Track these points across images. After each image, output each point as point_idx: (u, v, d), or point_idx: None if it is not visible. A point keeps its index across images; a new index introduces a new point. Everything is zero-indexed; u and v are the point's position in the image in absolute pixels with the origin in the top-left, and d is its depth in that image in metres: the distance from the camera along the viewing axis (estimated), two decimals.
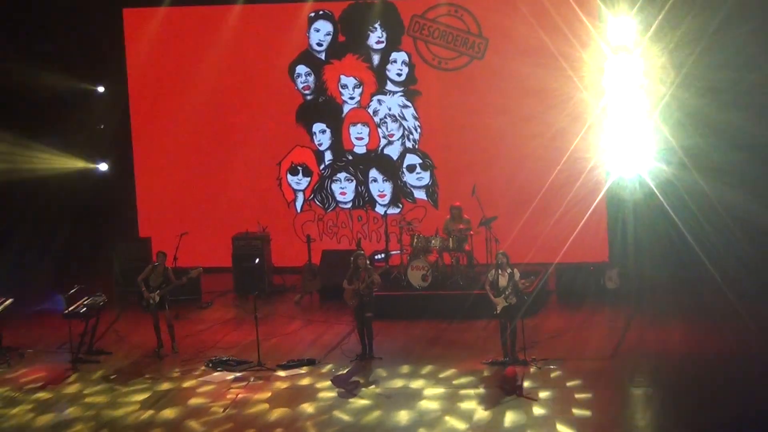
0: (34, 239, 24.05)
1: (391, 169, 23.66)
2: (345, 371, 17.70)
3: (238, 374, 17.78)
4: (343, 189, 23.93)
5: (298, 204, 24.17)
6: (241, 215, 23.65)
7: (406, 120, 23.50)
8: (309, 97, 23.94)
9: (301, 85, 23.89)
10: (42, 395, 17.38)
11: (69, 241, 24.08)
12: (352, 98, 23.72)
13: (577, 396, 15.98)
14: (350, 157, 23.89)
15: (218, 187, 24.19)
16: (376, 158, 23.76)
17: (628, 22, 20.82)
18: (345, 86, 23.71)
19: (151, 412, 16.43)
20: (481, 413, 15.61)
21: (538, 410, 15.56)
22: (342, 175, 23.92)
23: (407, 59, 23.33)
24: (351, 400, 16.47)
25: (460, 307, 19.80)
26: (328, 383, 17.18)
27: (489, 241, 20.81)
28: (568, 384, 16.46)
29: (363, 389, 16.88)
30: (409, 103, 23.44)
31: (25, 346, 19.60)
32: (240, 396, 16.82)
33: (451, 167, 23.25)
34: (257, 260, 22.07)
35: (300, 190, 24.13)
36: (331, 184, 23.97)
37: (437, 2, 22.98)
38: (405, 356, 18.26)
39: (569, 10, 21.38)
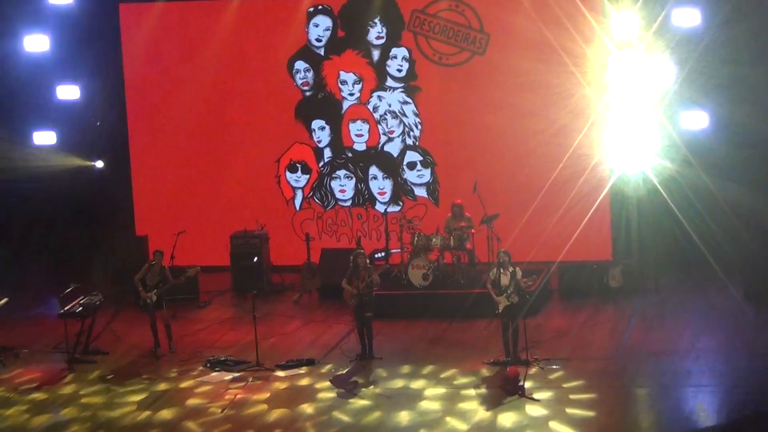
0: (30, 237, 24.05)
1: (392, 167, 23.66)
2: (345, 371, 17.71)
3: (236, 374, 17.78)
4: (343, 186, 23.94)
5: (297, 202, 24.18)
6: (240, 213, 23.66)
7: (406, 116, 23.50)
8: (308, 94, 23.94)
9: (300, 81, 23.90)
10: (37, 396, 17.39)
11: (65, 240, 24.09)
12: (351, 94, 23.73)
13: (579, 396, 15.99)
14: (350, 154, 23.89)
15: (216, 184, 24.19)
16: (376, 155, 23.77)
17: (632, 16, 20.81)
18: (344, 82, 23.71)
19: (148, 412, 16.43)
20: (483, 414, 15.62)
21: (540, 411, 15.57)
22: (341, 173, 23.93)
23: (407, 55, 23.33)
24: (351, 400, 16.48)
25: (461, 307, 19.80)
26: (328, 383, 17.19)
27: (490, 239, 20.81)
28: (571, 384, 16.46)
29: (363, 389, 16.88)
30: (409, 100, 23.45)
31: (21, 345, 19.60)
32: (238, 396, 16.83)
33: (452, 164, 23.26)
34: (255, 259, 22.06)
35: (299, 188, 24.14)
36: (330, 181, 23.98)
37: None
38: (405, 356, 18.26)
39: (571, 4, 21.40)
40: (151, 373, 18.07)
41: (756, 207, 19.98)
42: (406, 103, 23.46)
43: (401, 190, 23.63)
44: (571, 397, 15.99)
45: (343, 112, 23.79)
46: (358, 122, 23.74)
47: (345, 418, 15.86)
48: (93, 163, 24.62)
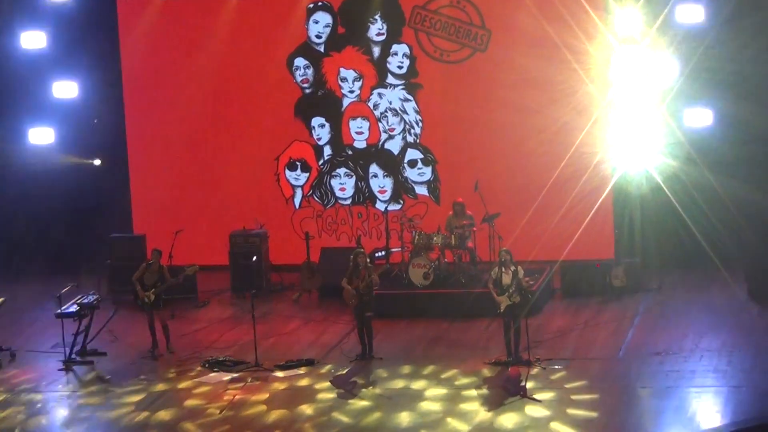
0: (26, 236, 24.05)
1: (392, 165, 23.65)
2: (344, 372, 17.70)
3: (235, 375, 17.78)
4: (343, 185, 23.93)
5: (297, 200, 24.16)
6: (238, 212, 23.64)
7: (407, 114, 23.49)
8: (308, 91, 23.93)
9: (299, 78, 23.88)
10: (34, 397, 17.38)
11: (61, 238, 24.08)
12: (351, 92, 23.71)
13: (582, 397, 15.98)
14: (350, 152, 23.87)
15: (215, 182, 24.18)
16: (376, 153, 23.75)
17: (635, 13, 20.79)
18: (344, 79, 23.69)
19: (146, 413, 16.44)
20: (484, 414, 15.61)
21: (541, 412, 15.56)
22: (341, 171, 23.91)
23: (408, 51, 23.31)
24: (351, 401, 16.48)
25: (463, 306, 19.81)
26: (328, 384, 17.18)
27: (492, 238, 20.79)
28: (573, 385, 16.45)
29: (363, 390, 16.88)
30: (410, 97, 23.43)
31: (17, 345, 19.59)
32: (237, 397, 16.82)
33: (453, 162, 23.23)
34: (255, 258, 22.06)
35: (298, 186, 24.13)
36: (330, 179, 23.97)
37: None
38: (406, 356, 18.25)
39: (574, 1, 21.37)
40: (149, 374, 18.08)
41: (760, 205, 19.97)
42: (406, 100, 23.44)
43: (402, 189, 23.62)
44: (573, 397, 15.98)
45: (343, 109, 23.77)
46: (359, 120, 23.73)
47: (345, 419, 15.86)
48: (90, 160, 24.61)
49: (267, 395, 16.86)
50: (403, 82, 23.42)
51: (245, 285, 21.55)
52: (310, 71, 23.82)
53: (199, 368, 18.16)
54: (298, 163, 24.06)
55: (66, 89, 23.76)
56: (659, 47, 20.69)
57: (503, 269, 17.49)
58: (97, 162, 24.60)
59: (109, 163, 24.67)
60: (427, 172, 23.50)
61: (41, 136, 23.91)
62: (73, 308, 18.88)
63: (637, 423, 15.24)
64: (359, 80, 23.60)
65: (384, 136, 23.65)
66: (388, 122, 23.57)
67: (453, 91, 23.03)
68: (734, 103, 20.39)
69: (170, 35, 24.11)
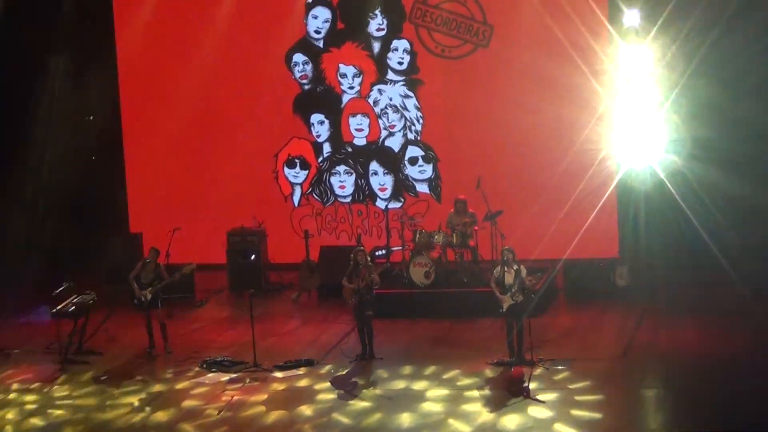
0: (21, 234, 24.05)
1: (393, 162, 23.65)
2: (344, 372, 17.70)
3: (233, 375, 17.77)
4: (343, 182, 23.94)
5: (296, 198, 24.17)
6: (236, 210, 23.65)
7: (407, 110, 23.49)
8: (306, 87, 23.94)
9: (298, 74, 23.89)
10: (29, 397, 17.37)
11: (56, 237, 24.09)
12: (351, 88, 23.72)
13: (586, 398, 15.98)
14: (350, 149, 23.88)
15: (212, 180, 24.19)
16: (376, 150, 23.76)
17: (639, 8, 20.79)
18: (344, 75, 23.70)
19: (142, 414, 16.43)
20: (486, 416, 15.60)
21: (545, 413, 15.55)
22: (341, 168, 23.92)
23: (409, 47, 23.31)
24: (351, 402, 16.47)
25: (465, 306, 19.83)
26: (327, 384, 17.18)
27: (494, 236, 20.79)
28: (577, 385, 16.44)
29: (363, 391, 16.87)
30: (411, 93, 23.43)
31: (12, 346, 19.60)
32: (235, 398, 16.82)
33: (454, 160, 23.24)
34: (253, 257, 22.07)
35: (297, 184, 24.14)
36: (329, 177, 23.98)
37: None
38: (407, 356, 18.25)
39: None
40: (146, 374, 18.07)
41: (766, 202, 19.98)
42: (407, 96, 23.44)
43: (402, 186, 23.62)
44: (577, 398, 15.98)
45: (342, 106, 23.78)
46: (358, 116, 23.73)
47: (345, 420, 15.86)
48: (86, 158, 24.60)
49: (266, 396, 16.85)
50: (403, 78, 23.43)
51: (243, 284, 21.57)
52: (309, 67, 23.82)
53: (196, 369, 18.15)
54: (297, 160, 24.06)
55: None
56: (663, 44, 20.69)
57: (506, 268, 17.49)
58: (92, 159, 24.61)
59: (104, 160, 24.68)
60: (428, 170, 23.50)
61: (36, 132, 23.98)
62: (69, 308, 18.86)
63: (642, 424, 15.22)
64: (359, 76, 23.61)
65: (384, 133, 23.65)
66: (388, 119, 23.58)
67: (454, 88, 23.04)
68: (737, 100, 20.39)
69: (167, 30, 24.12)
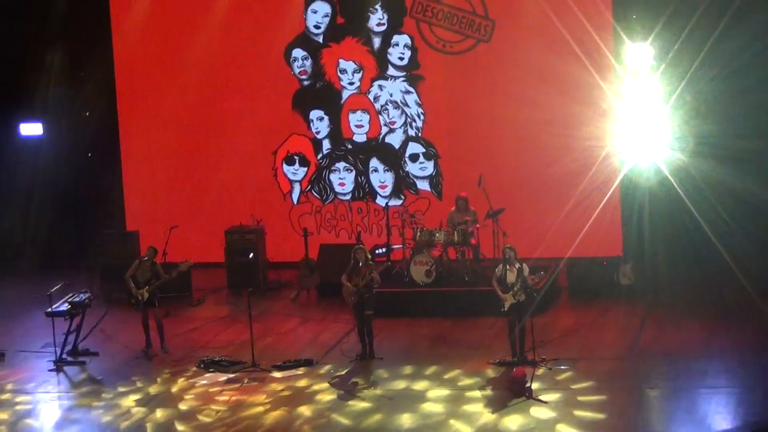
0: (15, 231, 24.05)
1: (393, 159, 23.64)
2: (344, 372, 17.69)
3: (231, 375, 17.76)
4: (342, 179, 23.93)
5: (295, 195, 24.17)
6: (235, 207, 23.66)
7: (408, 107, 23.48)
8: (306, 83, 23.93)
9: (297, 70, 23.88)
10: (24, 398, 17.37)
11: (52, 235, 24.08)
12: (351, 84, 23.71)
13: (589, 398, 15.97)
14: (349, 146, 23.87)
15: (210, 177, 24.20)
16: (376, 147, 23.75)
17: (643, 3, 20.80)
18: (344, 71, 23.69)
19: (139, 415, 16.41)
20: (488, 416, 15.59)
21: (547, 413, 15.54)
22: (341, 165, 23.92)
23: (410, 42, 23.30)
24: (350, 402, 16.46)
25: (466, 305, 19.83)
26: (327, 385, 17.17)
27: (496, 234, 20.79)
28: (580, 385, 16.43)
29: (363, 391, 16.86)
30: (411, 89, 23.42)
31: (6, 345, 19.59)
32: (233, 398, 16.81)
33: (455, 156, 23.24)
34: (251, 255, 22.07)
35: (296, 181, 24.13)
36: (329, 174, 23.97)
37: None
38: (407, 356, 18.24)
39: None
40: (143, 375, 18.05)
41: None
42: (408, 92, 23.43)
43: (403, 184, 23.62)
44: (580, 398, 15.97)
45: (342, 102, 23.77)
46: (358, 112, 23.72)
47: (344, 420, 15.85)
48: (81, 155, 24.59)
49: (264, 396, 16.84)
50: (404, 73, 23.42)
51: (242, 283, 21.58)
52: (308, 62, 23.82)
53: (194, 369, 18.14)
54: (296, 157, 24.06)
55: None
56: (667, 39, 20.69)
57: (508, 267, 17.48)
58: (88, 155, 24.61)
59: (100, 156, 24.67)
60: (429, 167, 23.49)
61: (31, 129, 23.95)
62: (64, 307, 18.85)
63: (646, 425, 15.21)
64: (359, 72, 23.60)
65: (385, 129, 23.65)
66: (388, 115, 23.57)
67: (455, 83, 23.03)
68: (741, 97, 20.40)
69: (164, 24, 24.13)
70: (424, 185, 23.54)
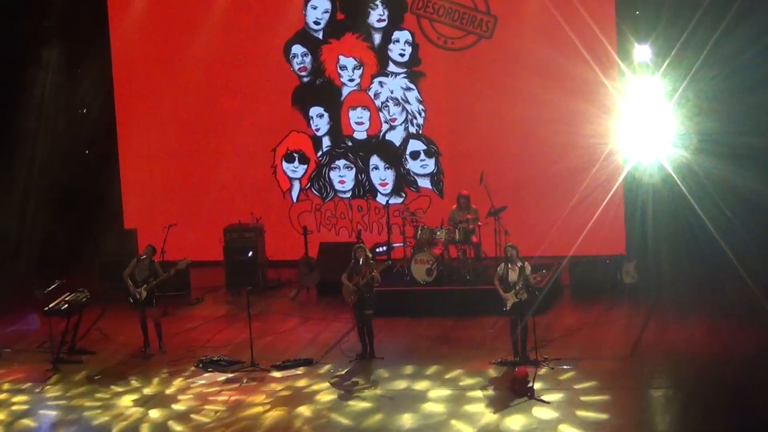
0: (12, 229, 24.03)
1: (394, 156, 23.62)
2: (344, 372, 17.68)
3: (230, 375, 17.75)
4: (342, 177, 23.90)
5: (294, 193, 24.14)
6: (234, 205, 23.65)
7: (409, 103, 23.45)
8: (306, 79, 23.90)
9: (297, 67, 23.85)
10: (21, 397, 17.35)
11: (49, 233, 24.07)
12: (351, 80, 23.68)
13: (591, 398, 15.95)
14: (350, 143, 23.84)
15: (209, 175, 24.18)
16: (377, 144, 23.73)
17: (646, 2, 20.82)
18: (344, 67, 23.66)
19: (137, 415, 16.40)
20: (490, 417, 15.58)
21: (550, 413, 15.53)
22: (341, 163, 23.89)
23: (410, 38, 23.27)
24: (351, 402, 16.45)
25: (467, 304, 19.81)
26: (327, 385, 17.16)
27: (498, 232, 20.76)
28: (583, 385, 16.42)
29: (363, 391, 16.85)
30: (412, 86, 23.40)
31: (3, 344, 19.57)
32: (232, 398, 16.79)
33: (457, 154, 23.21)
34: (250, 253, 22.05)
35: (296, 179, 24.11)
36: (329, 171, 23.94)
37: None
38: (408, 356, 18.23)
39: None
40: (141, 374, 18.04)
41: None
42: (408, 89, 23.40)
43: (404, 181, 23.59)
44: (583, 398, 15.95)
45: (342, 98, 23.74)
46: (359, 109, 23.70)
47: (345, 420, 15.83)
48: (79, 152, 24.58)
49: (263, 396, 16.82)
50: (405, 70, 23.39)
51: (241, 281, 21.57)
52: (308, 59, 23.79)
53: (192, 368, 18.13)
54: (295, 154, 24.03)
55: None
56: (671, 36, 20.68)
57: (509, 265, 17.46)
58: (86, 153, 24.60)
59: (98, 154, 24.66)
60: (430, 164, 23.47)
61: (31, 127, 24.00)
62: (62, 305, 18.83)
63: (649, 425, 15.19)
64: (359, 68, 23.57)
65: (385, 126, 23.62)
66: (389, 112, 23.54)
67: (457, 80, 23.01)
68: (744, 94, 20.38)
69: (163, 21, 24.10)
70: (425, 183, 23.51)
